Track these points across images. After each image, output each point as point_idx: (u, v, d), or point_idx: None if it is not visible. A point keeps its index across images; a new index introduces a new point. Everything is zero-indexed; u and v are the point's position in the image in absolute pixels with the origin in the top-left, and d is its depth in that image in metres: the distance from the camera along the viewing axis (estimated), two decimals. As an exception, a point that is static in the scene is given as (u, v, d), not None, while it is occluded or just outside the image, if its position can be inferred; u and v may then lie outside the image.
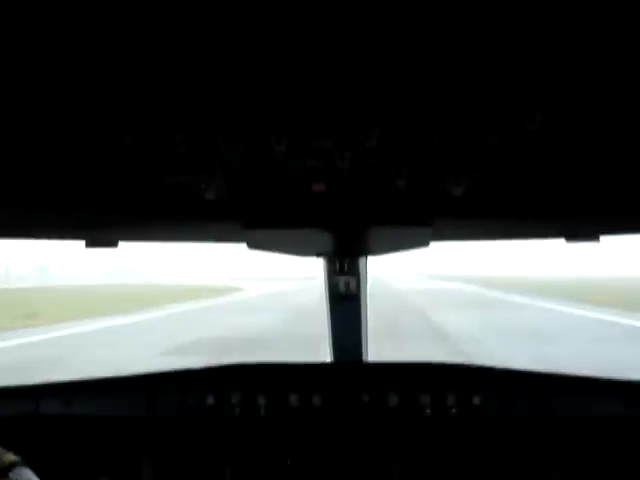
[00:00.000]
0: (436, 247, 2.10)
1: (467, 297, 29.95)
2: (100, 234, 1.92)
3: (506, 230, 1.91)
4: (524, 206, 1.50)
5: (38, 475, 1.52)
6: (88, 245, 1.95)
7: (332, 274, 2.43)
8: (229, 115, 1.02)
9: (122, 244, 2.01)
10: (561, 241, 1.89)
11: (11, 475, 1.37)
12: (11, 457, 1.43)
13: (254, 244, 1.86)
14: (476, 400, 2.30)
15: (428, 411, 2.31)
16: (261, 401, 2.36)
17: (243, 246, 1.87)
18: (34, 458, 1.84)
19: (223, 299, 30.66)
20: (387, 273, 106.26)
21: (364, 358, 2.67)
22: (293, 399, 2.36)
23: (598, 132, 1.09)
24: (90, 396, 2.44)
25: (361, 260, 2.41)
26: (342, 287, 2.44)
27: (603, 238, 1.84)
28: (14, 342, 13.80)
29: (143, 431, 2.44)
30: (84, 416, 2.42)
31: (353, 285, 2.44)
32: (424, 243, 1.84)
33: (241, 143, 1.12)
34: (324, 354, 2.86)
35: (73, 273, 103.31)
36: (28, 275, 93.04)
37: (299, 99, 0.96)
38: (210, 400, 2.38)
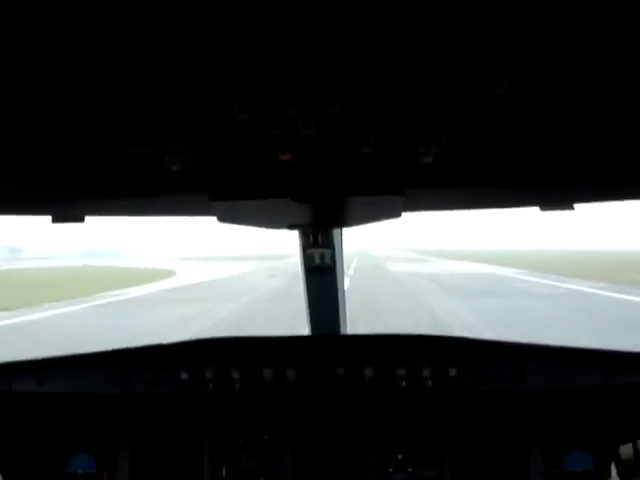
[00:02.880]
0: (407, 218, 1.89)
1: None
2: (65, 209, 1.85)
3: (479, 199, 1.86)
4: (496, 174, 1.47)
5: (12, 453, 1.71)
6: (54, 220, 1.88)
7: (306, 247, 2.37)
8: (188, 83, 0.99)
9: (89, 219, 1.97)
10: (534, 210, 1.85)
11: None
12: None
13: (224, 217, 1.80)
14: (452, 372, 2.30)
15: (403, 383, 2.32)
16: (235, 375, 2.36)
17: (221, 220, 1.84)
18: (6, 437, 2.17)
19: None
20: (374, 248, 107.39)
21: (342, 331, 2.70)
22: (267, 373, 2.35)
23: (569, 97, 1.07)
24: (63, 374, 2.43)
25: (335, 232, 2.35)
26: (317, 260, 2.39)
27: (577, 206, 1.80)
28: None
29: (118, 408, 2.47)
30: (57, 394, 2.41)
31: (328, 257, 2.38)
32: (396, 213, 1.81)
33: (202, 112, 1.10)
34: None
35: (47, 254, 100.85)
36: (2, 256, 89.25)
37: (260, 65, 0.93)
38: (184, 375, 2.37)
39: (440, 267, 41.32)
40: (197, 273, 37.83)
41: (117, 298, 22.76)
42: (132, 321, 15.40)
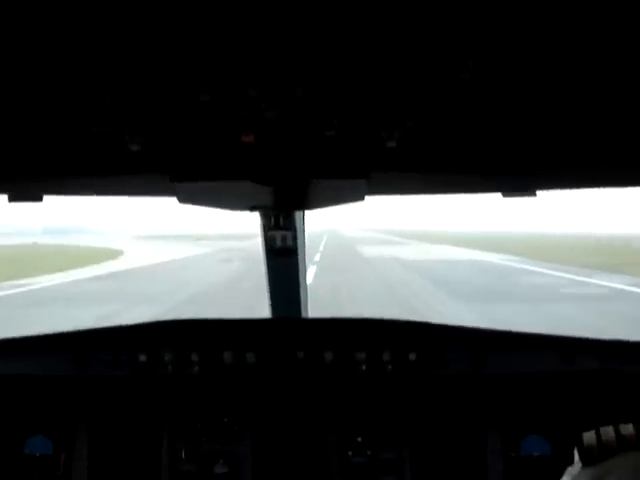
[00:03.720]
0: (373, 200, 1.96)
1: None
2: (23, 187, 1.80)
3: (442, 184, 1.88)
4: (459, 160, 1.47)
5: None
6: (11, 199, 1.80)
7: (268, 228, 2.33)
8: (151, 62, 0.99)
9: (48, 199, 1.88)
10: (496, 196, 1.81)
11: None
12: None
13: (184, 198, 1.74)
14: (412, 356, 2.30)
15: (364, 367, 2.31)
16: (194, 358, 2.32)
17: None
18: None
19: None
20: (343, 228, 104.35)
21: (303, 314, 2.69)
22: (227, 356, 2.32)
23: (533, 85, 1.08)
24: (20, 354, 2.40)
25: (297, 214, 2.33)
26: (279, 242, 2.36)
27: (540, 193, 1.78)
28: None
29: (75, 389, 2.45)
30: (12, 375, 2.38)
31: (290, 240, 2.36)
32: (359, 197, 1.80)
33: (165, 92, 1.09)
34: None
35: (8, 230, 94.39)
36: None
37: (223, 46, 0.93)
38: (142, 357, 2.33)
39: (421, 251, 36.58)
40: (144, 255, 33.95)
41: (10, 291, 17.58)
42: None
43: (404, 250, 37.43)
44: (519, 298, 15.39)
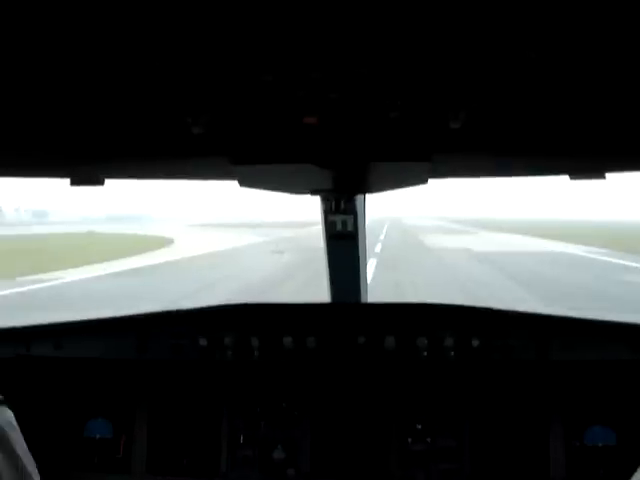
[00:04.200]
0: (434, 185, 1.39)
1: None
2: (84, 171, 1.82)
3: (506, 167, 1.83)
4: (525, 141, 1.43)
5: (30, 416, 1.64)
6: (73, 183, 1.83)
7: (328, 213, 2.27)
8: (214, 43, 0.98)
9: (111, 186, 1.95)
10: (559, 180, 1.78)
11: None
12: None
13: (245, 181, 1.77)
14: (475, 342, 2.25)
15: (425, 354, 2.28)
16: (255, 343, 2.33)
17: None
18: (24, 400, 1.94)
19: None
20: (404, 216, 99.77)
21: (363, 299, 2.62)
22: (287, 341, 2.32)
23: (603, 62, 1.04)
24: (80, 338, 2.41)
25: (359, 198, 2.24)
26: (339, 226, 2.30)
27: (609, 175, 1.71)
28: None
29: (136, 374, 2.47)
30: (74, 358, 2.41)
31: (350, 224, 2.29)
32: (422, 180, 1.78)
33: (227, 72, 1.09)
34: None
35: (73, 218, 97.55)
36: (27, 220, 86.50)
37: (287, 25, 0.92)
38: (203, 342, 2.34)
39: (491, 242, 32.61)
40: (194, 244, 31.88)
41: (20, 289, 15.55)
42: None
43: (472, 240, 33.77)
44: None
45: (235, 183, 1.72)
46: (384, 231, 41.79)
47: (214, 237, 39.24)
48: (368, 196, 2.29)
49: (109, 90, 1.14)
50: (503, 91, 1.13)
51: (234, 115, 1.27)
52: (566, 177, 1.73)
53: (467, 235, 39.87)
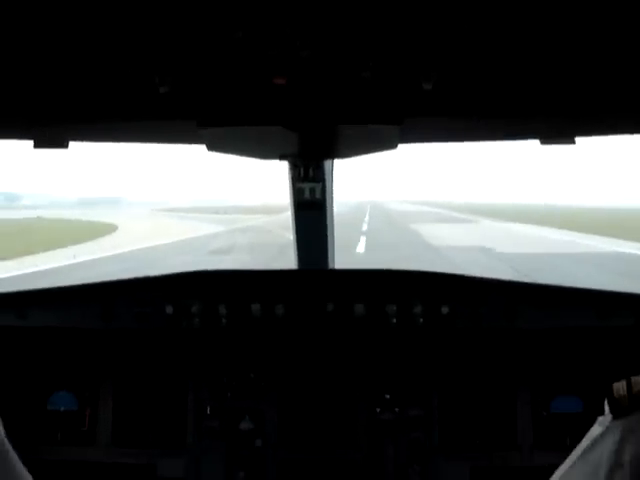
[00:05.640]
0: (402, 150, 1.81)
1: None
2: (49, 132, 1.78)
3: (477, 130, 1.83)
4: (496, 104, 1.42)
5: None
6: (36, 145, 1.81)
7: (296, 180, 2.29)
8: None
9: (74, 146, 1.90)
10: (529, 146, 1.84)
11: None
12: None
13: (213, 145, 1.77)
14: (444, 310, 2.25)
15: (394, 321, 2.28)
16: (222, 310, 2.30)
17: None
18: None
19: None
20: (387, 201, 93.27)
21: (330, 266, 2.65)
22: (255, 308, 2.29)
23: (575, 25, 1.05)
24: (44, 307, 2.36)
25: (327, 166, 2.31)
26: (307, 194, 2.31)
27: (578, 140, 1.75)
28: None
29: (101, 343, 2.42)
30: (38, 328, 2.35)
31: (318, 192, 2.31)
32: (392, 144, 1.78)
33: (197, 29, 1.06)
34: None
35: (44, 202, 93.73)
36: None
37: None
38: (169, 310, 2.30)
39: (507, 236, 25.26)
40: (139, 233, 28.79)
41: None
42: None
43: (479, 232, 27.08)
44: None
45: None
46: (366, 219, 35.10)
47: (166, 226, 34.88)
48: (340, 172, 2.37)
49: (74, 48, 1.12)
50: (475, 51, 1.15)
51: (203, 73, 1.25)
52: (537, 142, 1.76)
53: (468, 224, 33.05)
